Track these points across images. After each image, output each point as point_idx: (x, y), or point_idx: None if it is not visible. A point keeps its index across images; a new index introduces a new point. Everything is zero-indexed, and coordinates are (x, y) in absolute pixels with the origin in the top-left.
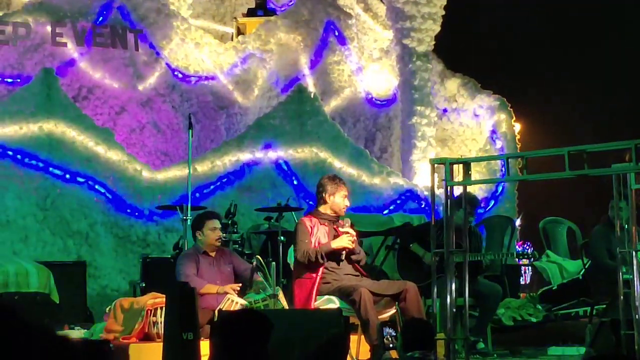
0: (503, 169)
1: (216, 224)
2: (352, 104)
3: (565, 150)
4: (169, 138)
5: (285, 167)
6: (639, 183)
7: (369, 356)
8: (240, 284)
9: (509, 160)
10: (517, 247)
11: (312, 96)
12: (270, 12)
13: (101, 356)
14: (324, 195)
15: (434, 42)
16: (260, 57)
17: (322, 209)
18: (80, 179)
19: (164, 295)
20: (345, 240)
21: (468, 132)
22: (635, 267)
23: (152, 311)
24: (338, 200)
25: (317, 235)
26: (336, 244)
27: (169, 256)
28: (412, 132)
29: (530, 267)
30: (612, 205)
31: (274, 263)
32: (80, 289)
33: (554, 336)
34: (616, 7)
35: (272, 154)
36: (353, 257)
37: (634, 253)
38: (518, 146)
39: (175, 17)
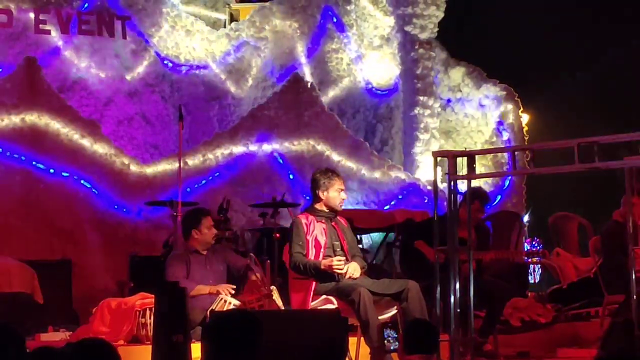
0: (510, 162)
1: (211, 221)
2: (351, 94)
3: (575, 142)
4: (158, 130)
5: (280, 161)
6: None
7: (369, 359)
8: (235, 286)
9: (516, 152)
10: (525, 244)
11: (309, 86)
12: None
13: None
14: (317, 191)
15: (437, 29)
16: (255, 45)
17: (318, 206)
18: (65, 174)
19: (153, 296)
20: (335, 269)
21: (473, 124)
22: None
23: (141, 312)
24: (333, 195)
25: (314, 233)
26: (325, 267)
27: (159, 254)
28: (414, 124)
29: (539, 265)
30: (624, 200)
31: (269, 261)
32: (66, 289)
33: (564, 338)
34: None
35: (267, 147)
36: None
37: None
38: (526, 138)
39: (164, 3)
